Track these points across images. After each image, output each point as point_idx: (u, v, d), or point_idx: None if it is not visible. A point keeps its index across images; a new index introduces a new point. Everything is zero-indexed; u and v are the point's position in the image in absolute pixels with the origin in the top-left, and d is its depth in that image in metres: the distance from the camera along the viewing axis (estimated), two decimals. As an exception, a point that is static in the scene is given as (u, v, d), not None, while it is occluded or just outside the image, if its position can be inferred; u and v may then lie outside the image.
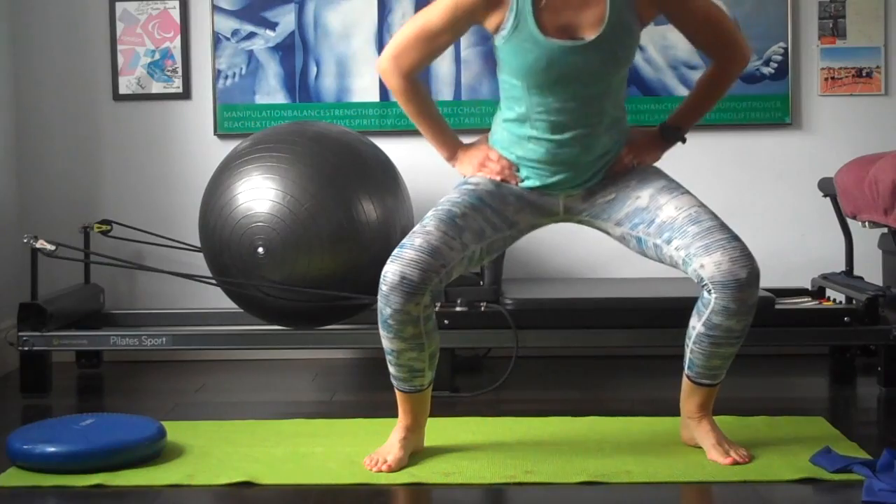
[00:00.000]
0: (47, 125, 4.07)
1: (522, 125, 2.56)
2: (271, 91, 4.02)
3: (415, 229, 2.54)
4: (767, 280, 3.94)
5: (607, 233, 2.70)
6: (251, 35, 4.01)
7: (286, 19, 4.01)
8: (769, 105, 4.00)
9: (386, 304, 2.49)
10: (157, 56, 4.04)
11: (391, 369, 2.65)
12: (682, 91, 3.98)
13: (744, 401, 3.31)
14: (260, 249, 3.27)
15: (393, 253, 2.52)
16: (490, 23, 2.45)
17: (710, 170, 4.03)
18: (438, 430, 2.87)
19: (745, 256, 2.46)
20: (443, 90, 3.99)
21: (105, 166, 4.08)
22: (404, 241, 2.52)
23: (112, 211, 4.04)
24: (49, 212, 4.06)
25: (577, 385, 3.58)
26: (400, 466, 2.60)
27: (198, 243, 3.60)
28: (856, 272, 3.77)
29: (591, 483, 2.49)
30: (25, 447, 2.62)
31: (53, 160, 4.08)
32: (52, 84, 4.06)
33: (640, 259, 4.00)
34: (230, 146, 3.78)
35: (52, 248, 3.39)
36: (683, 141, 2.72)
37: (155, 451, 2.70)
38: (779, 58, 3.99)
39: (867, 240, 3.83)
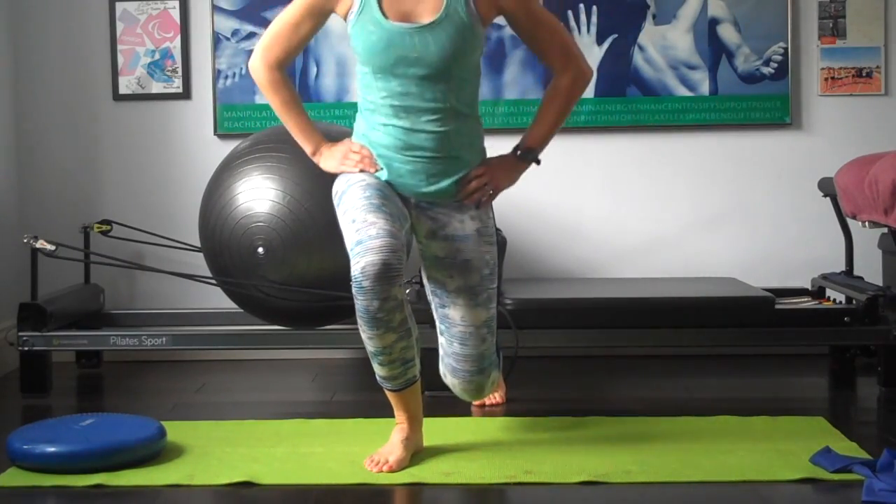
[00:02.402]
0: (47, 125, 4.07)
1: (374, 113, 2.66)
2: (271, 91, 4.01)
3: (356, 228, 2.54)
4: (767, 280, 3.97)
5: (425, 263, 2.80)
6: (251, 35, 4.01)
7: (286, 19, 4.00)
8: (769, 105, 4.00)
9: (372, 297, 2.48)
10: (157, 56, 4.04)
11: (382, 372, 2.64)
12: (682, 91, 3.98)
13: (744, 401, 3.31)
14: (260, 249, 3.27)
15: (354, 252, 2.51)
16: (341, 9, 2.65)
17: (711, 170, 4.03)
18: (438, 430, 2.87)
19: (475, 390, 2.84)
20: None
21: (105, 166, 4.08)
22: (358, 238, 2.52)
23: (112, 211, 4.04)
24: (49, 212, 4.06)
25: (577, 385, 3.58)
26: (401, 467, 2.60)
27: (198, 243, 3.60)
28: (856, 272, 3.77)
29: (591, 483, 2.49)
30: (25, 447, 2.62)
31: (53, 160, 4.07)
32: (52, 84, 4.06)
33: (639, 259, 4.04)
34: (230, 146, 3.78)
35: (52, 248, 3.39)
36: (538, 162, 2.79)
37: (155, 451, 2.70)
38: (779, 58, 3.99)
39: (867, 240, 3.83)
